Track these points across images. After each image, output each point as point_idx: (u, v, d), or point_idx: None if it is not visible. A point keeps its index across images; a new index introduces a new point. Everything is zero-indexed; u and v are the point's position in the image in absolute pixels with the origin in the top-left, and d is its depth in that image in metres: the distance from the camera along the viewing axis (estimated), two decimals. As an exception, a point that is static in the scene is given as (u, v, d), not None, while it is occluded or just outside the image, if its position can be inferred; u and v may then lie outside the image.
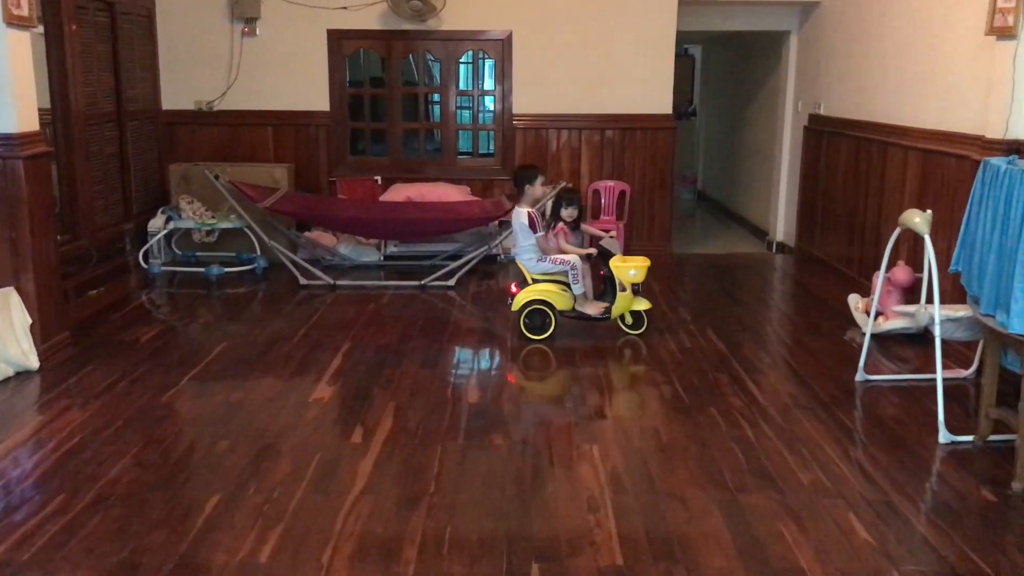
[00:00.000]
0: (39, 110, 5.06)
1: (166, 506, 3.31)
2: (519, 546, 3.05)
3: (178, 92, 7.76)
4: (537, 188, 5.61)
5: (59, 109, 6.15)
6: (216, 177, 6.68)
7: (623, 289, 5.32)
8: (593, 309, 5.44)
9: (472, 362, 5.19)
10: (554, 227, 5.59)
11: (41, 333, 4.88)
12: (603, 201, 7.86)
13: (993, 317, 3.61)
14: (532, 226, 5.38)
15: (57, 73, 6.10)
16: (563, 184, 7.20)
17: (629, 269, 5.32)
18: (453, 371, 4.93)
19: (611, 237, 5.68)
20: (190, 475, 3.60)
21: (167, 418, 4.17)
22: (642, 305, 5.45)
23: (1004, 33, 4.65)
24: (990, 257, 3.66)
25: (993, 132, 4.76)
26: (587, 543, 3.07)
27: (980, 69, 4.97)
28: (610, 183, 7.86)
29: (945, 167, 5.33)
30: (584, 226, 5.80)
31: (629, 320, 5.48)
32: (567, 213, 5.57)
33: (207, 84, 7.76)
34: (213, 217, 7.09)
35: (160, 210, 7.20)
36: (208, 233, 7.20)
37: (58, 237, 5.45)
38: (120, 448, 3.80)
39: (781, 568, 2.94)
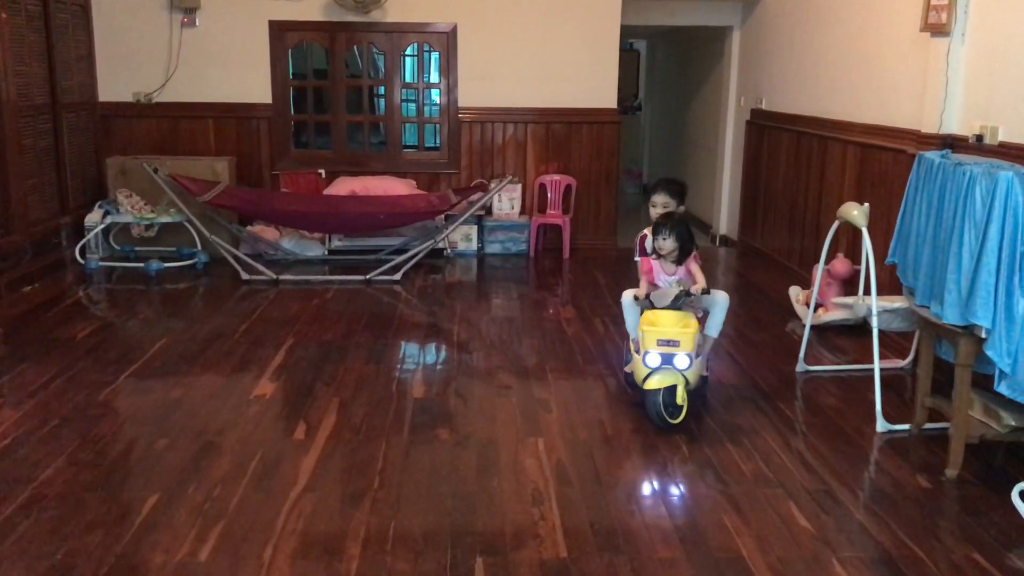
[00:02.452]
0: (-33, 101, 4.91)
1: (102, 506, 3.24)
2: (463, 540, 3.04)
3: (116, 83, 7.59)
4: (653, 206, 4.51)
5: (-11, 100, 5.99)
6: (155, 170, 6.55)
7: (636, 351, 4.10)
8: (631, 364, 4.29)
9: (417, 357, 5.16)
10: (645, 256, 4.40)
11: (-28, 331, 4.76)
12: (549, 195, 7.87)
13: (928, 308, 3.68)
14: (635, 248, 4.57)
15: (-14, 63, 5.94)
16: (511, 178, 7.25)
17: (641, 328, 4.04)
18: (398, 366, 4.89)
19: (696, 292, 4.11)
20: (128, 474, 3.53)
21: (104, 416, 4.07)
22: (666, 382, 3.92)
23: (938, 30, 4.75)
24: (925, 249, 3.74)
25: (928, 127, 4.87)
26: (531, 536, 3.07)
27: (915, 65, 5.07)
28: (556, 177, 7.88)
29: (882, 161, 5.43)
30: (690, 264, 4.23)
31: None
32: (656, 244, 4.22)
33: (146, 75, 7.59)
34: (152, 211, 6.95)
35: (97, 204, 7.03)
36: (147, 228, 7.06)
37: (-11, 232, 5.31)
38: (55, 448, 3.71)
39: (723, 557, 2.97)
